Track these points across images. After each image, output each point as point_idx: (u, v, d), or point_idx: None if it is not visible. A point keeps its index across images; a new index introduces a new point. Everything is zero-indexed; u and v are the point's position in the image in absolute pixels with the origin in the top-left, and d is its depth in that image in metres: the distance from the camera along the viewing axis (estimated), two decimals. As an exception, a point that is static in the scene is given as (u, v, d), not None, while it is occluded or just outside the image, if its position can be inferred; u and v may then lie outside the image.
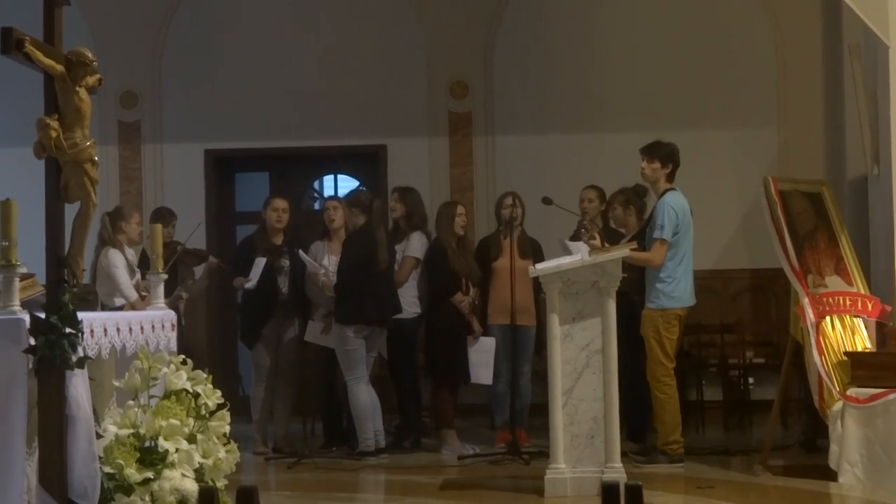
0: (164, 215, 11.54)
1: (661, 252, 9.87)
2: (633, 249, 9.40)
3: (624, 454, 9.00)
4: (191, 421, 6.45)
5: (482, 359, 10.93)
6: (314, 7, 13.94)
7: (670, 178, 10.10)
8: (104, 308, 10.26)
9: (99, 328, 6.24)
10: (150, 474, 6.09)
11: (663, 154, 10.09)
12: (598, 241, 9.85)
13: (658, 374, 9.86)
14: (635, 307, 10.13)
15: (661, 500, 8.45)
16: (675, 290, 9.92)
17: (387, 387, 11.51)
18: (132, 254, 10.90)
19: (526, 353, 11.10)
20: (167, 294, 8.61)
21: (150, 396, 6.43)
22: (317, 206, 14.65)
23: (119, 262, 10.62)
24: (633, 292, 9.96)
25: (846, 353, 9.34)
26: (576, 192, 11.49)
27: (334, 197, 11.99)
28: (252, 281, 11.00)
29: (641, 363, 10.05)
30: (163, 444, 6.19)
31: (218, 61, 13.91)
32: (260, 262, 11.02)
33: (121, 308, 10.25)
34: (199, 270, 12.01)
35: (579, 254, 8.98)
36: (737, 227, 13.31)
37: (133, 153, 13.96)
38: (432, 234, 11.37)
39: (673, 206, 9.93)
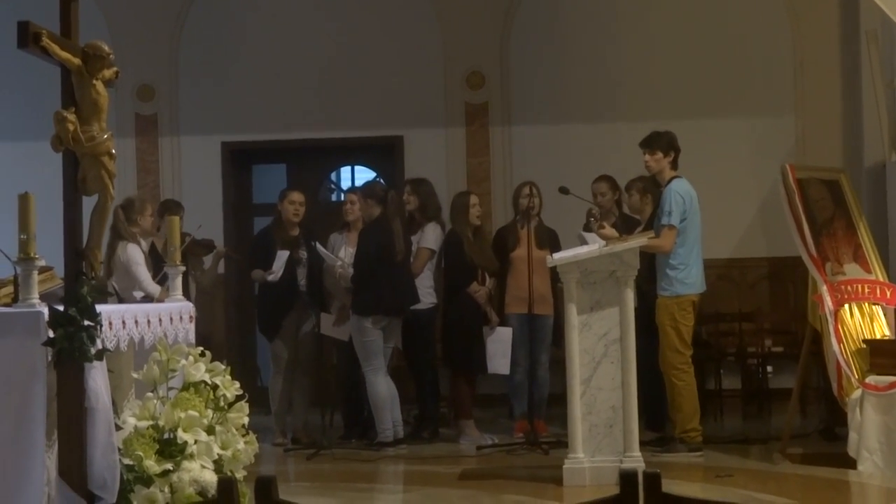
0: (170, 207, 11.55)
1: (670, 238, 9.87)
2: (650, 238, 9.40)
3: (642, 443, 9.00)
4: (209, 412, 6.46)
5: (499, 348, 10.93)
6: (330, -2, 13.96)
7: (674, 165, 10.12)
8: (122, 302, 10.29)
9: (117, 320, 6.26)
10: (169, 466, 6.11)
11: (663, 143, 10.11)
12: (607, 231, 9.84)
13: (675, 361, 9.86)
14: (646, 296, 10.13)
15: (680, 489, 8.43)
16: (688, 277, 9.92)
17: (405, 377, 11.52)
18: (146, 247, 10.93)
19: (544, 342, 11.10)
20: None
21: (169, 388, 6.45)
22: (333, 197, 14.67)
23: (139, 257, 10.65)
24: (643, 281, 9.95)
25: (865, 341, 9.34)
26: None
27: (353, 190, 11.96)
28: (276, 274, 11.01)
29: (656, 352, 10.06)
30: (182, 435, 6.21)
31: (235, 54, 13.92)
32: (283, 255, 11.03)
33: (143, 301, 10.26)
34: (208, 261, 12.03)
35: (596, 244, 8.97)
36: (755, 216, 13.28)
37: (150, 146, 13.98)
38: (447, 224, 11.37)
39: (680, 192, 9.94)
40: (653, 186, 10.93)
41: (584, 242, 10.01)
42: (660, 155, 10.09)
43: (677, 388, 9.88)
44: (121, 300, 10.36)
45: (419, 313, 11.00)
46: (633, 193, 11.14)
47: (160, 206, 11.90)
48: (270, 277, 11.06)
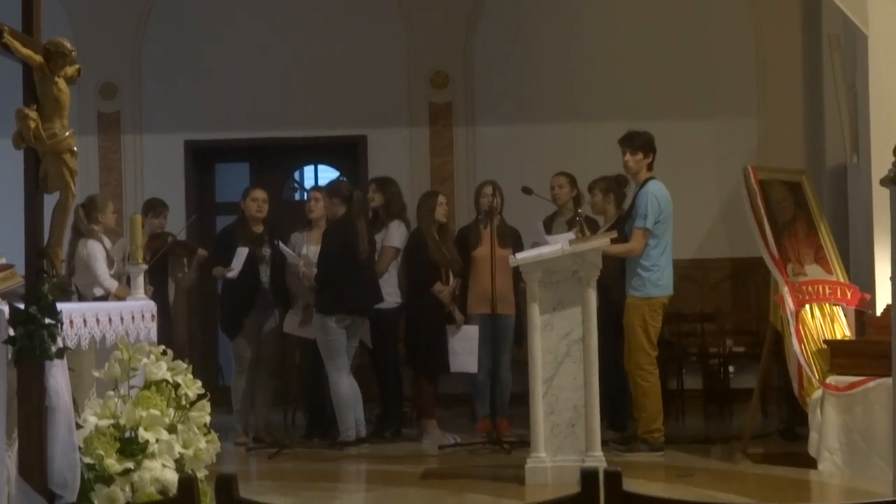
0: (155, 206, 11.56)
1: (641, 241, 9.91)
2: (612, 239, 9.39)
3: (604, 443, 9.02)
4: (171, 411, 6.44)
5: (466, 347, 10.91)
6: (294, -3, 13.93)
7: (650, 166, 10.14)
8: (83, 299, 10.26)
9: (78, 319, 6.23)
10: (130, 465, 6.08)
11: (643, 143, 10.13)
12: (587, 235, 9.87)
13: (642, 362, 9.89)
14: (612, 296, 10.14)
15: (642, 488, 8.41)
16: (660, 279, 9.96)
17: (368, 377, 11.51)
18: (109, 244, 10.90)
19: (505, 342, 11.10)
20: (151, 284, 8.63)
21: (130, 387, 6.42)
22: (297, 196, 14.63)
23: (99, 253, 10.64)
24: (611, 282, 9.96)
25: (825, 342, 9.38)
26: (555, 182, 11.53)
27: (317, 187, 11.94)
28: (234, 270, 10.99)
29: (620, 352, 10.08)
30: (143, 434, 6.18)
31: (198, 52, 13.88)
32: (242, 252, 11.01)
33: (101, 298, 10.24)
34: (186, 262, 11.97)
35: (559, 244, 8.97)
36: (717, 217, 13.33)
37: (113, 144, 13.93)
38: (412, 222, 11.36)
39: (657, 195, 9.97)
40: (615, 187, 10.94)
41: (540, 235, 10.01)
42: (640, 156, 10.11)
43: (642, 389, 9.90)
44: (81, 298, 10.34)
45: (383, 312, 10.99)
46: (596, 193, 11.08)
47: (144, 204, 11.84)
48: (230, 274, 11.03)
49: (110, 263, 10.71)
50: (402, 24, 13.82)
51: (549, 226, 11.10)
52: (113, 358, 6.44)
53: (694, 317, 12.74)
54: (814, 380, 9.16)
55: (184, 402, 6.57)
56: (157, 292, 10.39)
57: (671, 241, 10.11)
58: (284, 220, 12.02)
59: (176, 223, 12.05)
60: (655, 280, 9.96)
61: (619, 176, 10.88)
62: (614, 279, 10.03)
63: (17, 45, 5.87)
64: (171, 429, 6.37)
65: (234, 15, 13.91)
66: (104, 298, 10.24)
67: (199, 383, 6.68)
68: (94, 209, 10.85)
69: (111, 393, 6.38)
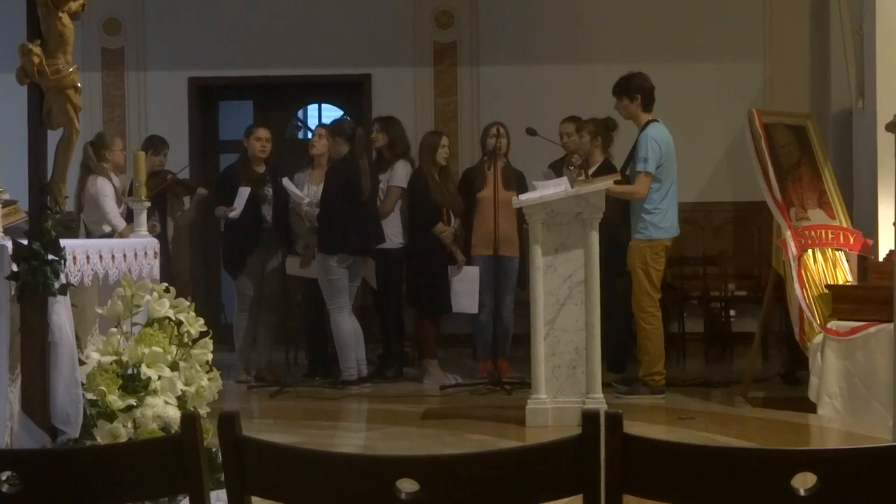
0: (155, 143, 11.50)
1: (645, 184, 9.89)
2: (616, 182, 9.40)
3: (605, 385, 9.05)
4: (173, 348, 6.45)
5: (466, 288, 10.92)
6: (299, -66, 13.83)
7: (647, 106, 10.10)
8: (90, 236, 10.27)
9: (81, 255, 6.23)
10: (132, 401, 6.10)
11: (632, 88, 10.09)
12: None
13: (644, 304, 9.91)
14: (617, 238, 10.14)
15: (642, 431, 8.41)
16: (662, 221, 9.96)
17: (370, 316, 11.53)
18: (118, 181, 10.88)
19: (509, 283, 11.11)
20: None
21: (133, 324, 6.43)
22: (300, 135, 14.60)
23: (108, 190, 10.62)
24: (616, 224, 9.96)
25: (827, 287, 9.39)
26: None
27: (321, 125, 11.89)
28: (236, 210, 10.98)
29: (622, 295, 10.09)
30: (145, 371, 6.20)
31: (202, -12, 13.81)
32: (244, 192, 10.99)
33: (109, 235, 10.25)
34: (188, 200, 11.98)
35: (550, 190, 8.95)
36: (721, 160, 13.31)
37: (116, 80, 13.88)
38: (416, 161, 11.34)
39: (656, 139, 9.94)
40: (604, 130, 10.93)
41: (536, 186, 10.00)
42: (626, 101, 10.09)
43: (645, 332, 9.93)
44: (89, 234, 10.36)
45: (387, 252, 10.98)
46: (584, 135, 11.04)
47: (144, 141, 11.82)
48: (231, 214, 11.02)
49: (119, 201, 10.70)
50: (408, -37, 13.74)
51: (558, 169, 11.10)
52: (116, 295, 6.45)
53: (696, 260, 12.75)
54: (815, 324, 9.18)
55: (186, 340, 6.58)
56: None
57: (675, 183, 10.10)
58: (288, 159, 11.99)
59: (179, 160, 12.03)
60: (657, 223, 9.96)
61: (607, 119, 10.88)
62: (621, 221, 10.04)
63: (21, -21, 5.84)
64: (174, 366, 6.38)
65: (238, -49, 13.83)
66: (110, 236, 10.24)
67: (202, 321, 6.68)
68: (103, 146, 10.83)
69: (114, 329, 6.39)
